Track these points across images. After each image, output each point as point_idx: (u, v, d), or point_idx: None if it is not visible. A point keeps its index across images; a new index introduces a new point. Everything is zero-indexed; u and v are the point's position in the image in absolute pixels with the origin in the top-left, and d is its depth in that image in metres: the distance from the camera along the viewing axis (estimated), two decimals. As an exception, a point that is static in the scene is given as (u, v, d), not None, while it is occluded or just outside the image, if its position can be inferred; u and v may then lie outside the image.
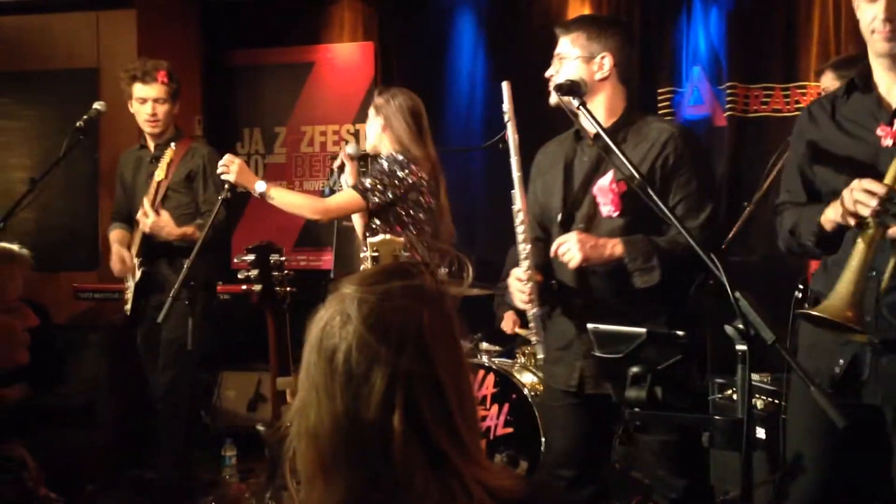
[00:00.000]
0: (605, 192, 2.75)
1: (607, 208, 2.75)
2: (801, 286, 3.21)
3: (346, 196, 3.53)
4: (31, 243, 2.11)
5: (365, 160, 3.96)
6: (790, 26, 5.35)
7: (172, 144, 4.12)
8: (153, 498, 4.38)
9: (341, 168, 3.80)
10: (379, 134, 3.67)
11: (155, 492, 4.34)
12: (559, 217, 2.85)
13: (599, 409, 2.86)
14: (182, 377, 4.04)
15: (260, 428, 2.27)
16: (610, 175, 2.75)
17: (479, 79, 5.93)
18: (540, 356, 2.86)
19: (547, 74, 2.89)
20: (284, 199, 3.52)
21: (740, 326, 1.88)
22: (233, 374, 5.62)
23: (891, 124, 2.30)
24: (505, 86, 2.87)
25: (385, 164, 3.52)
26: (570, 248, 2.66)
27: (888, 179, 2.13)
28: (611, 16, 2.90)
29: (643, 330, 1.99)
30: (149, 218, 4.04)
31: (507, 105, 2.85)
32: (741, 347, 1.88)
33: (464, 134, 5.85)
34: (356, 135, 6.04)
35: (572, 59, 2.81)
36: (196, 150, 4.26)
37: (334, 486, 1.22)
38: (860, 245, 2.13)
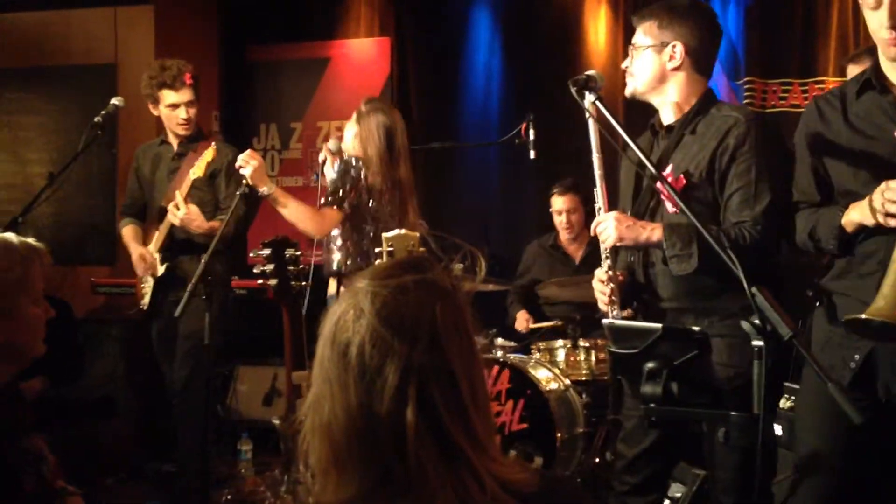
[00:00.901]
0: (666, 188, 2.64)
1: (668, 203, 2.67)
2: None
3: (328, 213, 3.63)
4: (49, 237, 2.14)
5: None
6: (808, 21, 5.32)
7: (213, 145, 4.13)
8: (171, 491, 4.41)
9: (324, 162, 3.89)
10: (352, 140, 3.84)
11: (173, 485, 4.36)
12: (629, 212, 2.78)
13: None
14: (199, 372, 4.06)
15: (275, 421, 2.28)
16: (668, 169, 2.68)
17: (496, 74, 5.92)
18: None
19: (623, 66, 2.82)
20: (290, 206, 3.58)
21: (757, 322, 1.87)
22: (248, 369, 5.65)
23: None
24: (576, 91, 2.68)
25: (339, 168, 3.69)
26: (606, 227, 2.62)
27: None
28: (689, 1, 2.76)
29: (659, 325, 1.98)
30: (181, 211, 4.07)
31: (592, 97, 2.62)
32: (757, 343, 1.87)
33: (480, 129, 5.84)
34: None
35: (644, 48, 2.73)
36: (220, 150, 4.27)
37: (348, 480, 1.23)
38: None
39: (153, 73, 4.24)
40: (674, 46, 2.70)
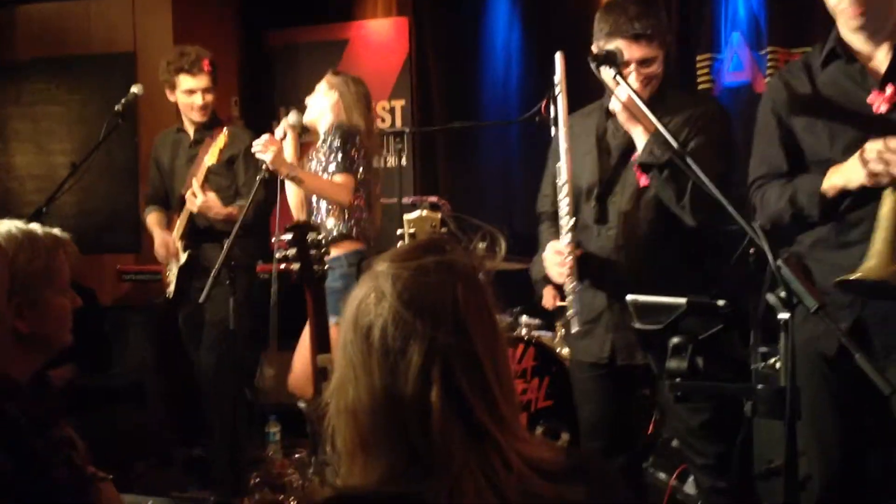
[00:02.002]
0: (636, 168, 2.74)
1: (644, 181, 2.74)
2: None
3: (344, 179, 3.73)
4: (73, 226, 2.15)
5: (306, 132, 4.04)
6: (831, -12, 5.23)
7: (225, 131, 4.15)
8: (202, 476, 4.45)
9: (283, 138, 3.90)
10: (327, 109, 3.89)
11: (204, 470, 4.41)
12: (595, 191, 2.83)
13: (628, 380, 2.90)
14: (227, 358, 4.09)
15: (301, 405, 2.29)
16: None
17: (515, 52, 5.88)
18: (575, 329, 2.83)
19: (635, 83, 2.77)
20: (312, 184, 3.67)
21: (783, 295, 1.86)
22: (275, 354, 5.67)
23: (883, 90, 2.30)
24: (558, 57, 2.80)
25: (342, 137, 3.77)
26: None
27: None
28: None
29: (683, 300, 1.97)
30: (198, 198, 4.08)
31: (559, 76, 2.78)
32: (783, 316, 1.85)
33: (500, 108, 5.81)
34: (392, 111, 6.02)
35: (659, 58, 2.77)
36: (237, 135, 4.31)
37: (374, 462, 1.23)
38: (887, 205, 2.14)
39: (171, 59, 4.25)
40: (668, 49, 2.80)
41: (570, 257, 2.74)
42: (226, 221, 4.12)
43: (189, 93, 4.25)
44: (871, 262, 2.12)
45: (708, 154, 2.60)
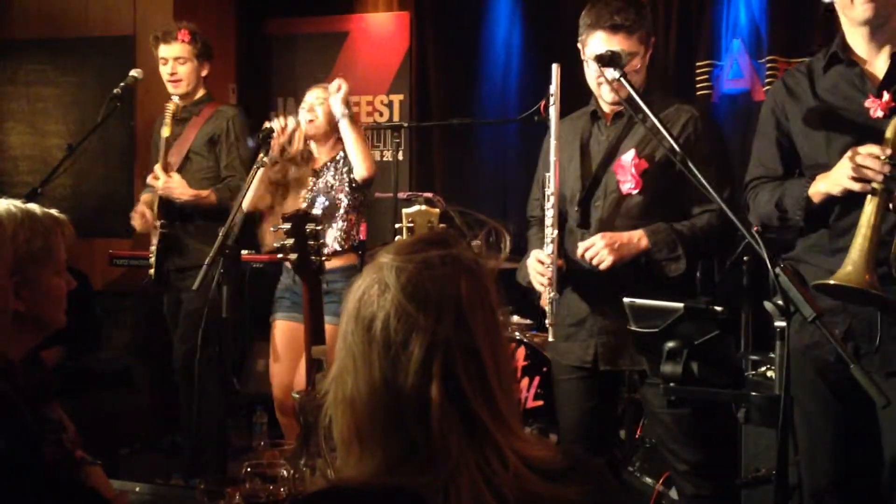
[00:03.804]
0: (625, 170, 2.76)
1: (627, 185, 2.77)
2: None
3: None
4: (67, 209, 2.13)
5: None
6: (832, -2, 5.24)
7: (174, 100, 4.06)
8: (185, 463, 4.43)
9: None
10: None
11: (186, 457, 4.39)
12: (578, 196, 2.85)
13: (608, 384, 2.93)
14: (199, 348, 4.04)
15: (295, 395, 2.28)
16: (632, 152, 2.77)
17: (515, 50, 5.88)
18: (550, 339, 2.87)
19: (611, 76, 2.69)
20: (358, 137, 3.69)
21: (780, 302, 1.86)
22: (265, 344, 5.66)
23: (880, 96, 2.31)
24: (555, 68, 2.82)
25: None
26: (599, 252, 2.70)
27: (890, 148, 2.16)
28: None
29: (680, 305, 1.97)
30: (160, 180, 4.02)
31: (553, 88, 2.81)
32: (780, 324, 1.86)
33: (499, 106, 5.81)
34: (390, 105, 6.01)
35: (639, 55, 2.79)
36: (221, 113, 4.21)
37: (370, 454, 1.23)
38: (868, 212, 2.16)
39: (155, 32, 4.21)
40: (652, 42, 2.84)
41: (551, 268, 2.76)
42: (193, 204, 4.04)
43: (164, 61, 4.16)
44: (848, 269, 2.15)
45: (703, 161, 2.61)
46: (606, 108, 2.88)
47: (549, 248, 2.78)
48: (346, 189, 3.82)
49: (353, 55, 6.09)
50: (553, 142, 2.80)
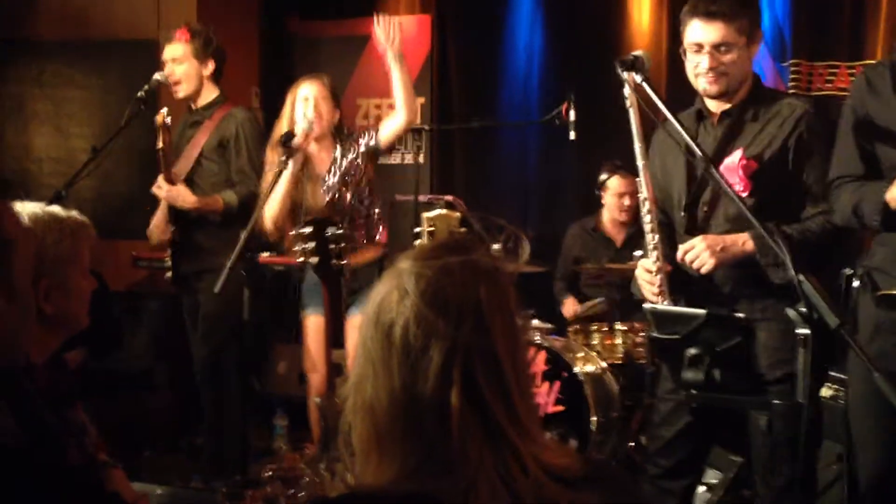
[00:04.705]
0: (732, 172, 2.63)
1: (736, 188, 2.60)
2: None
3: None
4: (91, 211, 2.16)
5: None
6: (857, 3, 5.21)
7: (163, 111, 3.94)
8: (207, 465, 4.45)
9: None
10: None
11: (207, 459, 4.41)
12: (684, 201, 2.77)
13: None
14: (224, 352, 4.04)
15: (316, 400, 2.29)
16: (738, 153, 2.66)
17: (537, 52, 5.87)
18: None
19: (708, 67, 2.68)
20: (405, 75, 3.91)
21: (803, 310, 1.84)
22: (285, 347, 5.67)
23: None
24: (624, 73, 2.64)
25: None
26: (699, 255, 2.59)
27: None
28: None
29: (702, 311, 1.96)
30: (162, 189, 3.98)
31: (628, 91, 2.63)
32: (803, 331, 1.84)
33: (521, 108, 5.80)
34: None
35: (738, 46, 2.65)
36: (232, 116, 4.11)
37: (390, 460, 1.23)
38: None
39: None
40: (760, 39, 2.71)
41: (660, 276, 2.67)
42: (199, 210, 3.98)
43: (164, 65, 4.10)
44: None
45: (813, 159, 2.58)
46: (713, 107, 2.77)
47: (654, 255, 2.68)
48: (362, 166, 3.85)
49: (374, 58, 6.06)
50: (638, 144, 2.68)
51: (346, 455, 1.33)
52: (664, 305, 2.61)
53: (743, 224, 2.60)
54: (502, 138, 5.91)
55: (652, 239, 2.68)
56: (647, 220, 2.70)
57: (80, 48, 5.67)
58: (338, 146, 3.91)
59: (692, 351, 1.94)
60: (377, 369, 1.24)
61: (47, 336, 1.90)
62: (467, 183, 5.87)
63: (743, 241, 2.60)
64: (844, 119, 2.46)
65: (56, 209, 1.96)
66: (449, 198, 4.27)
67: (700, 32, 2.64)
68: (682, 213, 2.77)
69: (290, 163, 3.54)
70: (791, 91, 5.17)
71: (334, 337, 2.29)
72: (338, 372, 2.14)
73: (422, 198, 4.27)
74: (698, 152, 2.27)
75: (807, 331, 1.84)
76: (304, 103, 3.80)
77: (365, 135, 3.91)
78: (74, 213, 2.00)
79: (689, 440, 2.80)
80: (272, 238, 3.80)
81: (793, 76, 5.22)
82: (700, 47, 2.66)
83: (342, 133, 3.94)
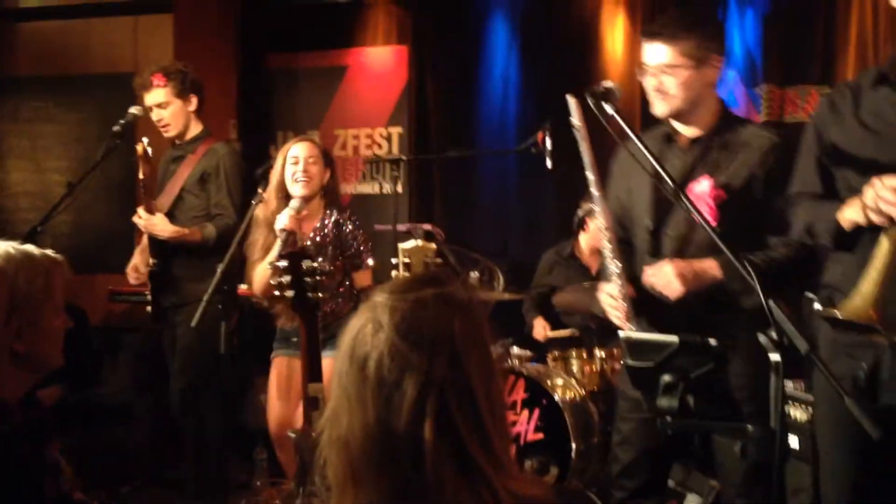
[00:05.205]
0: (701, 200, 2.64)
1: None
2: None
3: None
4: (67, 245, 2.17)
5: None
6: (827, 28, 5.28)
7: (142, 141, 3.98)
8: (185, 499, 4.42)
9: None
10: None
11: (186, 493, 4.37)
12: (648, 224, 2.77)
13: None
14: (196, 384, 4.05)
15: (291, 434, 2.28)
16: (708, 182, 2.66)
17: (513, 82, 5.92)
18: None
19: (652, 88, 2.71)
20: None
21: (773, 335, 1.86)
22: (265, 379, 5.64)
23: None
24: (571, 101, 2.70)
25: None
26: (669, 282, 2.60)
27: None
28: (702, 12, 2.72)
29: (675, 338, 1.97)
30: (142, 219, 4.02)
31: (576, 120, 2.69)
32: (775, 357, 1.86)
33: (497, 137, 5.84)
34: (389, 138, 6.04)
35: (684, 67, 2.64)
36: (214, 151, 4.18)
37: (365, 494, 1.23)
38: (884, 245, 2.09)
39: (136, 81, 4.23)
40: (714, 63, 2.68)
41: (623, 302, 2.68)
42: (178, 240, 4.02)
43: (149, 109, 4.18)
44: (857, 302, 2.09)
45: (779, 190, 2.56)
46: (683, 131, 2.76)
47: (617, 282, 2.68)
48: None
49: (352, 89, 6.14)
50: (591, 177, 2.69)
51: (322, 489, 1.33)
52: (636, 333, 2.58)
53: (710, 250, 2.60)
54: (480, 167, 5.95)
55: (615, 266, 2.69)
56: (608, 248, 2.71)
57: (56, 83, 5.69)
58: (326, 211, 3.79)
59: (666, 378, 1.95)
60: (352, 403, 1.25)
61: (21, 374, 1.89)
62: (446, 212, 5.90)
63: (711, 268, 2.61)
64: (807, 137, 2.49)
65: (29, 248, 1.96)
66: (428, 226, 4.28)
67: (645, 53, 2.66)
68: (647, 236, 2.78)
69: (264, 194, 3.54)
70: (764, 117, 5.25)
71: (311, 371, 2.28)
72: (315, 405, 2.14)
73: (401, 227, 4.27)
74: (669, 182, 2.28)
75: (778, 357, 1.85)
76: (294, 165, 3.70)
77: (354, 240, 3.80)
78: (48, 252, 1.99)
79: (652, 460, 2.82)
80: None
81: (765, 102, 5.29)
82: (646, 68, 2.68)
83: (333, 195, 3.84)
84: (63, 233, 5.33)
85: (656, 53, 2.66)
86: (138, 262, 4.25)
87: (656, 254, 2.76)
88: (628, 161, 2.78)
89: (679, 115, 2.73)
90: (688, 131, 2.76)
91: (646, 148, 2.40)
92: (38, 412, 1.98)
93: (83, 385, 4.64)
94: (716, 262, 2.61)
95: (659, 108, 2.72)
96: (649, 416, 2.70)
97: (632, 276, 2.75)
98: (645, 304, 2.74)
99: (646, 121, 4.46)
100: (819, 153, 2.43)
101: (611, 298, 2.71)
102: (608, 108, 2.51)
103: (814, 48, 5.32)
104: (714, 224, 2.57)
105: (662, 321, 2.71)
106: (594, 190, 2.71)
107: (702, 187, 2.66)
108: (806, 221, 2.38)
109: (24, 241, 2.01)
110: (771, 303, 1.89)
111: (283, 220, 3.46)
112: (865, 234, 2.24)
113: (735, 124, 2.75)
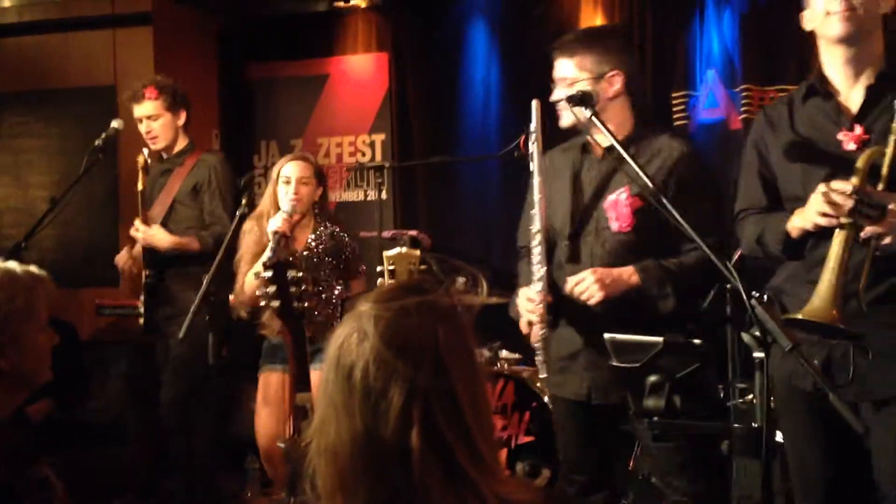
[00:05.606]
0: (617, 208, 2.75)
1: (617, 224, 2.76)
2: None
3: None
4: (52, 260, 2.17)
5: None
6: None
7: (144, 151, 4.08)
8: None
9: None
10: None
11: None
12: (567, 231, 2.85)
13: (607, 417, 2.91)
14: (186, 394, 4.05)
15: (280, 445, 2.28)
16: (624, 191, 2.75)
17: (494, 87, 5.93)
18: (543, 375, 2.86)
19: (553, 100, 2.86)
20: None
21: (757, 334, 1.88)
22: (255, 389, 5.63)
23: (852, 129, 2.33)
24: (534, 104, 2.82)
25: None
26: (588, 287, 2.68)
27: (856, 181, 2.17)
28: (610, 27, 2.87)
29: (661, 339, 1.99)
30: (139, 231, 4.05)
31: (534, 125, 2.81)
32: (758, 355, 1.88)
33: (479, 142, 5.84)
34: (372, 145, 6.05)
35: (580, 81, 2.77)
36: (204, 162, 4.23)
37: (353, 502, 1.24)
38: (836, 247, 2.16)
39: (126, 92, 4.25)
40: (613, 75, 2.79)
41: (541, 305, 2.76)
42: (175, 250, 4.06)
43: (139, 121, 4.20)
44: (815, 304, 2.15)
45: (697, 198, 2.66)
46: (599, 140, 2.84)
47: (538, 286, 2.77)
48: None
49: (333, 97, 6.14)
50: (536, 179, 2.79)
51: (311, 498, 1.34)
52: (543, 335, 2.75)
53: (625, 257, 2.74)
54: (463, 172, 5.96)
55: (539, 270, 2.77)
56: (537, 252, 2.79)
57: (36, 98, 5.66)
58: (316, 227, 3.81)
59: (652, 378, 1.97)
60: (339, 412, 1.25)
61: (5, 393, 1.89)
62: (430, 217, 5.90)
63: (629, 274, 2.71)
64: (747, 154, 2.59)
65: (11, 265, 1.95)
66: (413, 233, 4.29)
67: (554, 68, 2.84)
68: (566, 243, 2.85)
69: (246, 208, 3.54)
70: (745, 116, 5.27)
71: (299, 380, 2.29)
72: (303, 415, 2.14)
73: (385, 234, 4.28)
74: (650, 185, 2.31)
75: (762, 355, 1.87)
76: (286, 185, 3.70)
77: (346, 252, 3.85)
78: (31, 268, 1.99)
79: (590, 449, 2.91)
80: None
81: (744, 101, 5.31)
82: (556, 82, 2.84)
83: (324, 212, 3.86)
84: (48, 247, 5.30)
85: (559, 68, 2.83)
86: (124, 254, 4.26)
87: (574, 260, 2.85)
88: (549, 168, 2.90)
89: (576, 131, 2.85)
90: (602, 140, 2.82)
91: (628, 154, 2.43)
92: (27, 429, 1.98)
93: (73, 402, 4.62)
94: (634, 269, 2.72)
95: (566, 120, 2.82)
96: (585, 411, 2.82)
97: (550, 281, 2.83)
98: (563, 308, 2.83)
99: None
100: (760, 168, 2.52)
101: (528, 302, 2.80)
102: (586, 112, 2.54)
103: (792, 47, 5.35)
104: (629, 230, 2.73)
105: (581, 326, 2.81)
106: (537, 194, 2.80)
107: (619, 195, 2.75)
108: (755, 234, 2.47)
109: (9, 257, 2.01)
110: (753, 302, 1.91)
111: (276, 223, 3.49)
112: (811, 241, 2.33)
113: (648, 133, 2.83)
